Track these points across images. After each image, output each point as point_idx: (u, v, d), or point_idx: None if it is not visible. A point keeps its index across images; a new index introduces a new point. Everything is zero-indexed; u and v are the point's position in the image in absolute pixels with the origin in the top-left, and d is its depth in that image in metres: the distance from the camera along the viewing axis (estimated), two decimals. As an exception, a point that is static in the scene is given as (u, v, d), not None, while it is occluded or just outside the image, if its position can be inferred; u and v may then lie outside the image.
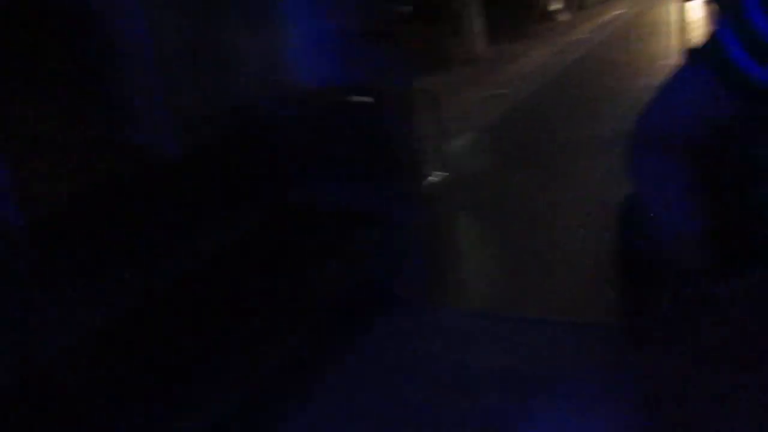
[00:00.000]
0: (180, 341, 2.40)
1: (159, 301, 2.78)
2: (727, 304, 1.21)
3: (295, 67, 3.74)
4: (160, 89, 3.04)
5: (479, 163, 6.15)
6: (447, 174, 3.74)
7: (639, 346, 1.38)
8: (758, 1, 1.05)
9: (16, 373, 2.32)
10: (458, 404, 2.71)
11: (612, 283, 1.54)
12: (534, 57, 12.13)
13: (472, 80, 9.87)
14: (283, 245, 3.25)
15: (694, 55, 1.21)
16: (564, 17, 17.57)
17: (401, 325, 3.44)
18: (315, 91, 3.74)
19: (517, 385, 2.76)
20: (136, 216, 2.92)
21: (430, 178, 3.65)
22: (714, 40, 1.16)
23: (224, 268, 2.99)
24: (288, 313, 2.68)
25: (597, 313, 3.20)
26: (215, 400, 2.23)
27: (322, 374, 3.00)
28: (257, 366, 2.41)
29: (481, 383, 2.84)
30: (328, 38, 3.68)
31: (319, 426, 2.62)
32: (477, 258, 4.48)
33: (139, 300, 2.78)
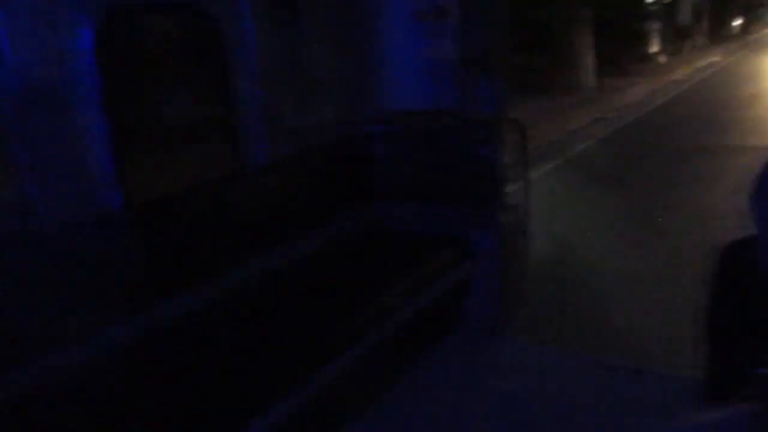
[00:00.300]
0: (252, 340, 2.48)
1: (238, 300, 2.88)
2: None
3: (387, 88, 3.83)
4: (258, 102, 3.18)
5: (569, 187, 6.94)
6: (528, 202, 3.72)
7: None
8: None
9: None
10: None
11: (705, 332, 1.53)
12: (635, 91, 14.14)
13: (580, 106, 11.99)
14: (356, 260, 3.30)
15: None
16: (662, 59, 19.30)
17: (469, 353, 3.44)
18: (404, 112, 3.82)
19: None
20: (222, 218, 3.05)
21: (513, 205, 3.64)
22: None
23: (299, 279, 3.07)
24: (352, 328, 2.72)
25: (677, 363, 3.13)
26: (274, 408, 2.29)
27: (379, 393, 3.03)
28: (315, 378, 2.45)
29: (531, 418, 2.84)
30: (422, 61, 3.76)
31: None
32: (553, 290, 4.43)
33: (227, 296, 2.90)
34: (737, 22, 35.96)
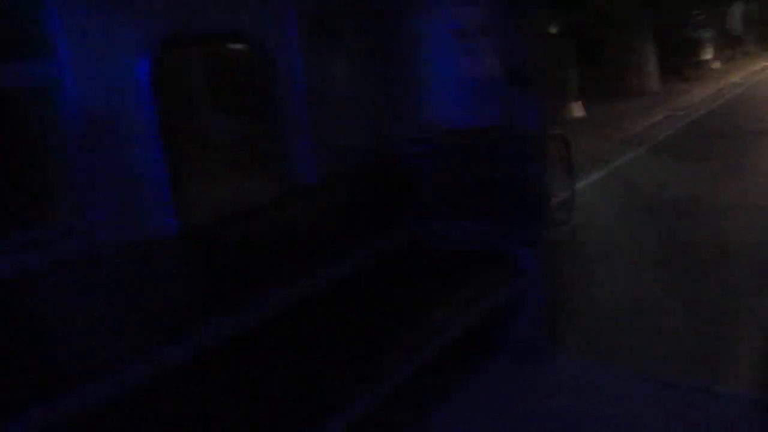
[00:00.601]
0: (300, 358, 2.53)
1: (285, 319, 2.95)
2: None
3: (430, 106, 3.88)
4: (305, 123, 3.27)
5: (665, 161, 9.26)
6: (575, 219, 3.70)
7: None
8: None
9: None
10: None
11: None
12: (697, 93, 15.87)
13: (651, 106, 14.09)
14: (403, 278, 3.33)
15: None
16: (715, 66, 20.94)
17: (513, 371, 3.42)
18: (447, 130, 3.86)
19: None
20: (273, 235, 3.13)
21: (559, 222, 3.62)
22: None
23: (345, 294, 3.11)
24: (401, 345, 2.72)
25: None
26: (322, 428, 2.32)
27: (428, 412, 3.03)
28: (363, 397, 2.46)
29: None
30: (464, 79, 3.79)
31: None
32: (601, 308, 4.37)
33: (276, 314, 2.97)
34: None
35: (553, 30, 13.49)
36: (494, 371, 3.45)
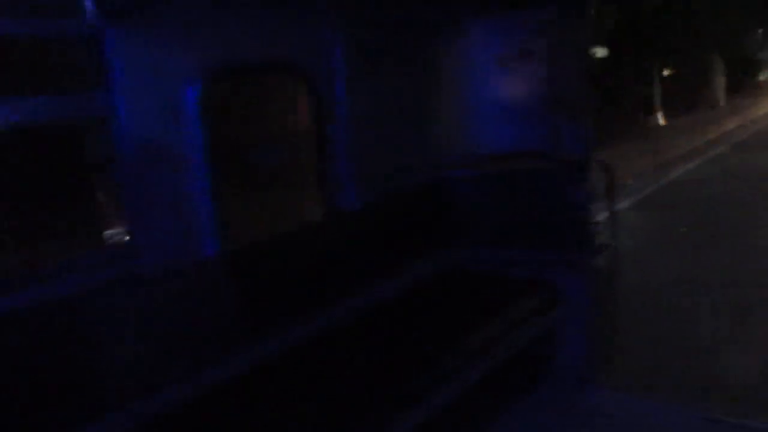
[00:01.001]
0: (338, 383, 2.55)
1: (325, 342, 2.99)
2: None
3: (472, 131, 3.89)
4: (347, 149, 3.32)
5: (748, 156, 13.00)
6: (615, 246, 3.65)
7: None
8: None
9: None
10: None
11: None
12: (761, 107, 19.70)
13: (721, 117, 17.95)
14: (444, 303, 3.32)
15: None
16: None
17: (556, 400, 3.37)
18: (489, 155, 3.86)
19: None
20: (313, 262, 3.18)
21: (600, 249, 3.57)
22: None
23: (387, 320, 3.13)
24: (439, 372, 2.72)
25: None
26: None
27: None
28: (402, 424, 2.47)
29: None
30: (507, 104, 3.79)
31: None
32: (641, 338, 4.28)
33: (314, 338, 3.02)
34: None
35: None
36: (538, 398, 3.41)
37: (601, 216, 3.55)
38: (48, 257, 2.41)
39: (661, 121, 18.01)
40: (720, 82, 19.93)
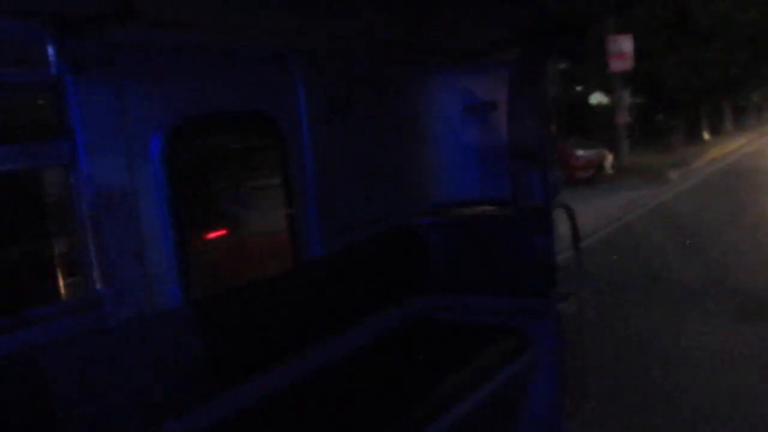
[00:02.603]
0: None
1: (291, 395, 2.94)
2: None
3: (438, 179, 3.94)
4: (314, 197, 3.33)
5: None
6: (578, 292, 3.70)
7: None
8: None
9: None
10: None
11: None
12: (743, 140, 31.48)
13: (708, 149, 27.05)
14: (411, 352, 3.30)
15: None
16: (751, 122, 39.74)
17: None
18: (455, 203, 3.90)
19: None
20: (277, 312, 3.15)
21: (567, 294, 3.61)
22: None
23: (354, 371, 3.09)
24: (411, 424, 2.68)
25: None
26: None
27: None
28: None
29: None
30: (473, 154, 3.86)
31: None
32: (613, 381, 4.28)
33: (279, 391, 2.97)
34: None
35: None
36: None
37: (568, 258, 3.60)
38: (5, 308, 2.33)
39: (707, 137, 31.90)
40: (703, 120, 31.39)
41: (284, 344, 3.06)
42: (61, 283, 2.59)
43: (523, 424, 3.48)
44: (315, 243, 3.34)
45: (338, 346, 3.28)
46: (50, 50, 2.33)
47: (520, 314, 3.52)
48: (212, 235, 3.08)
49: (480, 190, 3.83)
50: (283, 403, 2.85)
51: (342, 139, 3.51)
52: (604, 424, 3.76)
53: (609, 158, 20.50)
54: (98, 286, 2.50)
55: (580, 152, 19.15)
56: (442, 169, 3.89)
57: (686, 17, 22.55)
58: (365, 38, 3.20)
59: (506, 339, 3.40)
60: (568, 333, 3.52)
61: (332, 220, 3.40)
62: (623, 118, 20.89)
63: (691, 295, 6.88)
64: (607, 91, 22.21)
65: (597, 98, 25.11)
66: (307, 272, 3.36)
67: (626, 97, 20.96)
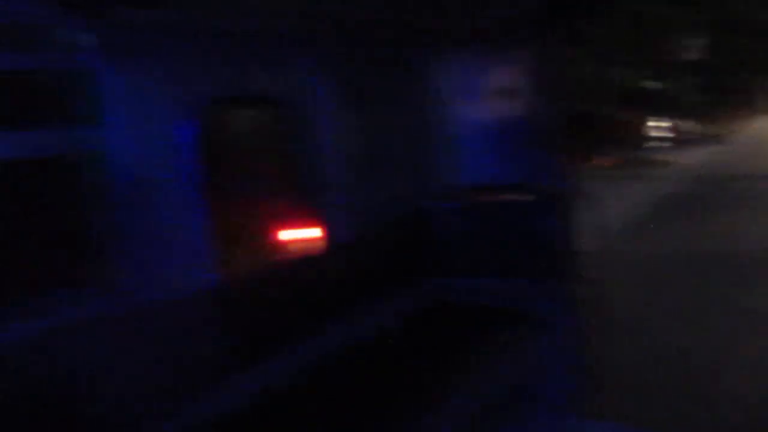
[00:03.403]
0: (328, 417, 2.55)
1: (312, 374, 2.98)
2: None
3: (455, 164, 3.96)
4: (333, 181, 3.35)
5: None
6: (594, 277, 3.72)
7: None
8: None
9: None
10: None
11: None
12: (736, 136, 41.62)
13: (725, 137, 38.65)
14: (426, 336, 3.33)
15: None
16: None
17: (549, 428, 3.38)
18: (471, 187, 3.92)
19: None
20: (301, 293, 3.18)
21: (582, 279, 3.63)
22: None
23: (371, 353, 3.13)
24: (427, 406, 2.71)
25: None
26: None
27: None
28: None
29: None
30: (490, 137, 3.87)
31: None
32: (625, 367, 4.33)
33: (303, 370, 3.00)
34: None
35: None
36: (522, 429, 3.41)
37: (591, 245, 3.63)
38: (36, 293, 2.36)
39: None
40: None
41: (296, 329, 3.10)
42: (90, 267, 2.61)
43: (541, 406, 3.52)
44: (332, 227, 3.36)
45: (356, 327, 3.32)
46: (80, 36, 2.34)
47: (535, 297, 3.55)
48: (239, 220, 3.10)
49: (494, 174, 3.85)
50: (312, 379, 2.90)
51: (358, 123, 3.52)
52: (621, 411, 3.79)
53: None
54: (128, 270, 2.52)
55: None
56: (459, 153, 3.90)
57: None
58: (375, 20, 3.20)
59: (520, 322, 3.44)
60: (589, 317, 3.56)
61: (348, 204, 3.42)
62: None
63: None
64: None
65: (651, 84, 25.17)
66: (324, 256, 3.39)
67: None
